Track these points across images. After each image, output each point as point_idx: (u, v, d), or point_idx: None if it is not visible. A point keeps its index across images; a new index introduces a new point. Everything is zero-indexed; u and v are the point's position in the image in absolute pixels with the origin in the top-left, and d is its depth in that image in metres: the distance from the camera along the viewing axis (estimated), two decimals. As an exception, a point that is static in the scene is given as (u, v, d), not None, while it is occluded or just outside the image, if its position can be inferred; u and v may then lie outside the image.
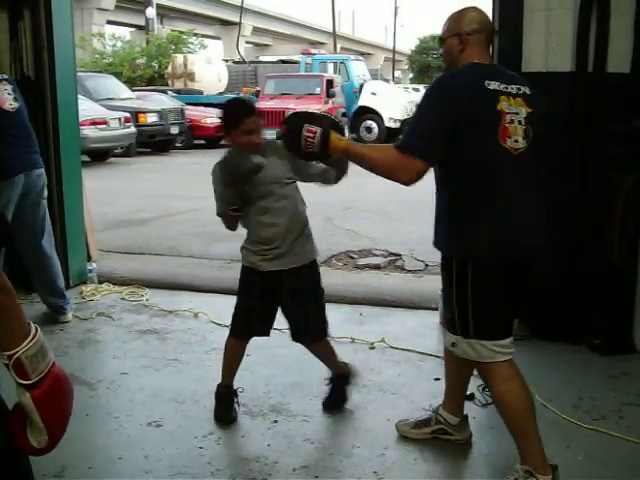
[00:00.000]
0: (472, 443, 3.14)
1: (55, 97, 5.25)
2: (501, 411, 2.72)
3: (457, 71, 2.67)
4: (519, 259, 2.65)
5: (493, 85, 2.55)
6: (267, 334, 3.38)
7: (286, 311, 3.35)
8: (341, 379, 3.50)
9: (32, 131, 4.58)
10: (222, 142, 19.38)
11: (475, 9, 2.79)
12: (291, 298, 3.29)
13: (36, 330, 1.43)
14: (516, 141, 2.55)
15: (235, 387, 3.46)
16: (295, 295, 3.28)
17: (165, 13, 42.49)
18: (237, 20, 33.68)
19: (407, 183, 2.57)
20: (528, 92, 2.64)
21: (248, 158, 3.07)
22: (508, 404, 2.68)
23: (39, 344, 1.42)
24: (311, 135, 2.58)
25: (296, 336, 3.39)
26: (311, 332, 3.36)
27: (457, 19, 2.74)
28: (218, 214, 3.20)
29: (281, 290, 3.28)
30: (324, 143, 2.59)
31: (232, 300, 3.41)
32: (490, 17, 2.83)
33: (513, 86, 2.60)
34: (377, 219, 8.62)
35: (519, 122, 2.56)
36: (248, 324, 3.34)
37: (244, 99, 3.34)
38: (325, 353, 3.48)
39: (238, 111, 3.16)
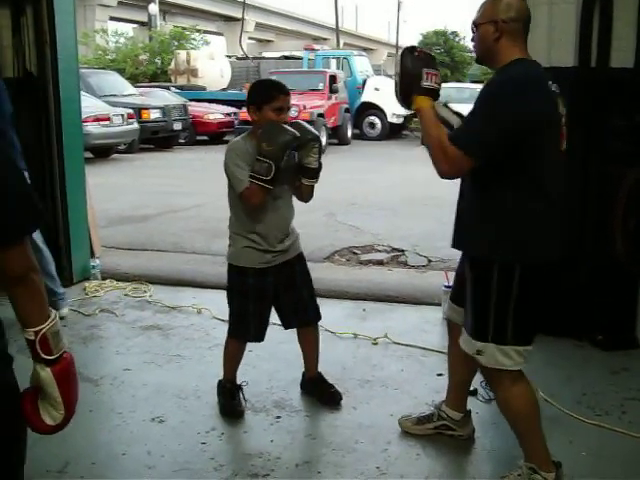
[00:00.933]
0: (475, 439, 3.14)
1: (58, 93, 5.25)
2: (506, 413, 2.70)
3: (525, 76, 2.47)
4: (558, 259, 2.60)
5: (553, 86, 2.47)
6: (262, 339, 3.41)
7: (282, 301, 3.39)
8: (316, 381, 3.56)
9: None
10: (225, 138, 19.46)
11: None
12: (287, 287, 3.36)
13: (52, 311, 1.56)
14: (564, 143, 2.53)
15: (239, 382, 3.50)
16: (291, 282, 3.37)
17: (167, 9, 42.42)
18: (240, 16, 33.67)
19: (447, 176, 2.49)
20: (558, 91, 2.54)
21: (287, 129, 3.06)
22: (514, 407, 2.65)
23: (58, 323, 1.57)
24: (433, 73, 2.62)
25: (296, 319, 3.44)
26: (310, 314, 3.45)
27: (493, 4, 2.55)
28: (243, 190, 3.08)
29: (274, 285, 3.31)
30: (428, 91, 2.59)
31: (235, 296, 3.42)
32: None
33: (555, 85, 2.52)
34: (380, 215, 8.61)
35: (565, 123, 2.52)
36: (245, 328, 3.37)
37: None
38: (316, 342, 3.53)
39: (272, 87, 3.18)
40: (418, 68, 2.61)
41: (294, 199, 3.37)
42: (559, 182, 2.53)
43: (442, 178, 2.51)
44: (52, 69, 5.21)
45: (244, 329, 3.37)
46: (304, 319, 3.48)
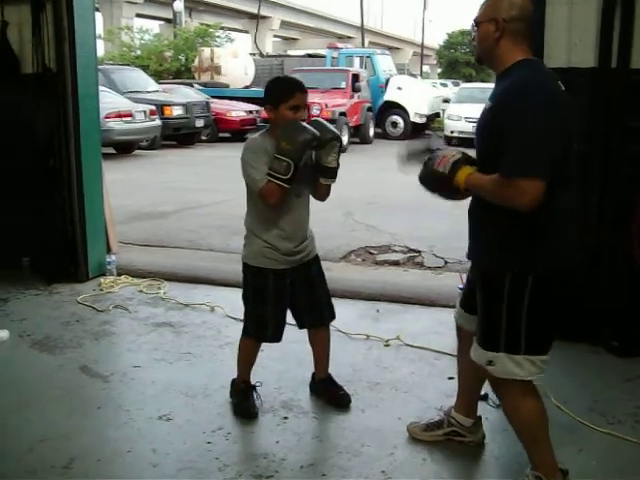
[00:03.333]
0: (484, 445, 3.09)
1: (76, 89, 5.27)
2: (512, 422, 2.65)
3: (542, 75, 2.41)
4: (570, 270, 2.54)
5: (561, 86, 2.42)
6: (280, 339, 3.39)
7: (298, 301, 3.37)
8: (326, 382, 3.53)
9: None
10: (247, 136, 19.47)
11: None
12: (303, 287, 3.34)
13: None
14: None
15: (252, 382, 3.49)
16: (308, 283, 3.35)
17: (193, 6, 42.60)
18: (265, 14, 33.79)
19: (526, 208, 2.31)
20: (563, 89, 2.47)
21: (307, 128, 3.03)
22: (521, 417, 2.60)
23: None
24: (445, 158, 2.60)
25: (310, 320, 3.43)
26: (325, 314, 3.44)
27: (495, 2, 2.47)
28: (260, 188, 3.04)
29: (290, 286, 3.29)
30: (452, 170, 2.57)
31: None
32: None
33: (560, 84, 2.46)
34: (399, 215, 8.55)
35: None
36: (262, 329, 3.34)
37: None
38: (327, 343, 3.52)
39: (290, 85, 3.14)
40: (432, 173, 2.63)
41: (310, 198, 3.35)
42: (568, 186, 2.47)
43: (528, 210, 2.32)
44: (71, 65, 5.23)
45: (261, 330, 3.34)
46: (319, 319, 3.46)
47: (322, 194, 3.33)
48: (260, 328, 3.34)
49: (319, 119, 3.22)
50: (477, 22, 2.54)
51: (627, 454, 3.04)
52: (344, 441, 3.14)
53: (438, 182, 2.64)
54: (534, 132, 2.28)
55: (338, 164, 3.22)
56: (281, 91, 3.12)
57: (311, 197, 3.33)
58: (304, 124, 3.04)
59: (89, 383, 3.74)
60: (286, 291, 3.31)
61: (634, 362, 3.92)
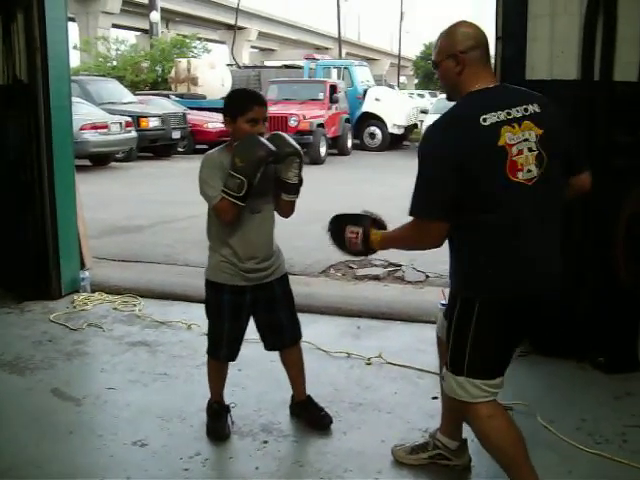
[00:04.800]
0: (470, 468, 3.00)
1: (48, 101, 5.14)
2: (488, 449, 2.57)
3: (448, 114, 2.45)
4: (532, 298, 2.48)
5: (491, 119, 2.32)
6: (234, 359, 3.30)
7: (259, 321, 3.27)
8: (305, 404, 3.42)
9: None
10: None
11: (465, 23, 2.49)
12: (264, 308, 3.23)
13: None
14: (529, 171, 2.35)
15: (227, 403, 3.38)
16: (269, 304, 3.24)
17: (170, 17, 42.49)
18: (242, 24, 33.72)
19: (435, 246, 2.47)
20: (537, 110, 2.41)
21: (263, 144, 2.93)
22: (494, 441, 2.52)
23: None
24: (354, 236, 2.75)
25: (273, 341, 3.33)
26: (287, 336, 3.32)
27: (448, 38, 2.47)
28: (214, 205, 2.98)
29: (252, 304, 3.19)
30: (365, 242, 2.73)
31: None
32: (486, 28, 2.57)
33: (519, 108, 2.38)
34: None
35: (529, 149, 2.35)
36: (218, 347, 3.25)
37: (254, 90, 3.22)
38: (299, 365, 3.40)
39: (248, 97, 3.05)
40: (347, 252, 2.85)
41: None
42: (525, 215, 2.38)
43: (437, 247, 2.50)
44: (43, 76, 5.09)
45: (216, 348, 3.25)
46: (280, 341, 3.34)
47: (286, 211, 3.22)
48: (215, 346, 3.25)
49: (280, 133, 3.13)
50: (437, 63, 2.53)
51: (617, 475, 2.95)
52: (326, 466, 3.03)
53: (360, 254, 2.88)
54: (419, 177, 2.40)
55: (300, 180, 3.13)
56: (239, 103, 3.03)
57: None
58: (261, 139, 2.94)
59: (60, 406, 3.60)
60: (244, 308, 3.19)
61: (621, 379, 3.86)
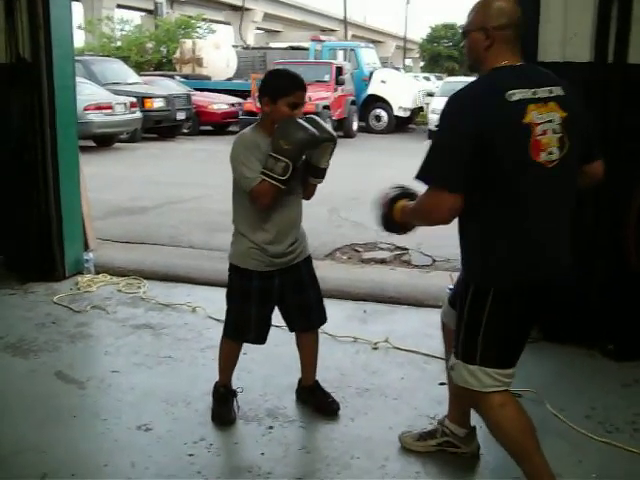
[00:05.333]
0: (479, 456, 2.96)
1: (52, 80, 5.07)
2: (499, 438, 2.53)
3: (474, 85, 2.38)
4: (544, 283, 2.44)
5: (518, 95, 2.27)
6: (264, 342, 3.25)
7: (287, 303, 3.22)
8: (313, 389, 3.39)
9: None
10: (229, 129, 19.26)
11: None
12: (293, 289, 3.19)
13: None
14: (550, 153, 2.29)
15: (234, 387, 3.34)
16: (298, 284, 3.20)
17: (175, -3, 42.19)
18: (248, 5, 33.46)
19: (443, 222, 2.36)
20: (562, 93, 2.36)
21: (307, 128, 2.86)
22: (505, 431, 2.48)
23: None
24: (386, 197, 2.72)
25: (301, 322, 3.29)
26: (314, 317, 3.30)
27: (483, 10, 2.39)
28: (252, 188, 2.87)
29: (280, 287, 3.15)
30: (389, 212, 2.69)
31: (231, 294, 3.25)
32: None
33: (545, 89, 2.32)
34: (384, 211, 8.39)
35: (553, 131, 2.30)
36: (244, 330, 3.19)
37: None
38: (315, 349, 3.38)
39: (292, 81, 2.95)
40: (379, 213, 2.74)
41: None
42: (543, 200, 2.33)
43: (444, 224, 2.39)
44: (46, 55, 5.01)
45: (244, 331, 3.19)
46: (308, 323, 3.30)
47: (310, 193, 3.20)
48: (243, 329, 3.19)
49: (315, 117, 3.05)
50: (466, 31, 2.46)
51: (627, 464, 2.91)
52: (333, 452, 2.99)
53: (385, 221, 2.74)
54: (435, 141, 2.34)
55: (328, 164, 3.08)
56: (282, 86, 2.93)
57: None
58: (303, 122, 2.88)
59: (64, 390, 3.56)
60: (273, 293, 3.15)
61: (630, 366, 3.81)
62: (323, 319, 3.33)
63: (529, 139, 2.26)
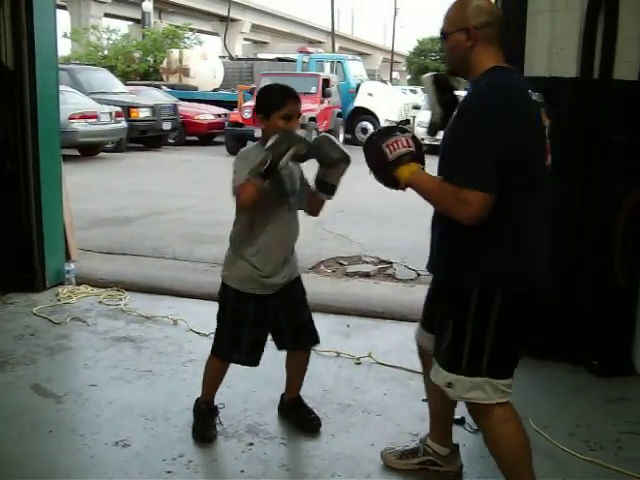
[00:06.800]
0: (461, 474, 2.91)
1: (35, 89, 5.02)
2: (495, 455, 2.49)
3: (501, 80, 2.27)
4: (540, 289, 2.41)
5: (534, 96, 2.25)
6: (257, 364, 3.17)
7: (281, 323, 3.15)
8: (295, 403, 3.35)
9: None
10: (215, 139, 19.21)
11: None
12: (287, 308, 3.13)
13: None
14: (549, 158, 2.32)
15: (215, 403, 3.27)
16: (291, 304, 3.14)
17: (162, 7, 42.17)
18: (236, 16, 33.50)
19: (470, 221, 2.22)
20: (543, 102, 2.35)
21: (296, 133, 2.82)
22: (504, 447, 2.45)
23: None
24: (397, 142, 2.41)
25: (293, 342, 3.21)
26: (306, 337, 3.23)
27: (461, 9, 2.33)
28: (235, 187, 2.78)
29: (274, 309, 3.09)
30: (399, 161, 2.41)
31: (213, 307, 3.19)
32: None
33: (537, 94, 2.32)
34: (369, 223, 8.39)
35: (548, 137, 2.31)
36: (236, 352, 3.12)
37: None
38: (305, 367, 3.32)
39: (284, 93, 2.92)
40: (376, 149, 2.44)
41: None
42: (541, 204, 2.32)
43: (469, 223, 2.23)
44: (29, 64, 4.97)
45: (235, 352, 3.10)
46: (299, 343, 3.24)
47: (318, 209, 3.15)
48: (234, 351, 3.11)
49: (330, 137, 2.96)
50: (445, 33, 2.39)
51: (611, 484, 2.89)
52: (313, 470, 2.94)
53: (376, 162, 2.48)
54: (466, 140, 2.21)
55: (339, 182, 3.01)
56: (272, 100, 2.91)
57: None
58: (295, 132, 2.84)
59: (41, 403, 3.49)
60: (268, 316, 3.09)
61: (615, 383, 3.79)
62: (316, 340, 3.27)
63: (545, 141, 2.28)
